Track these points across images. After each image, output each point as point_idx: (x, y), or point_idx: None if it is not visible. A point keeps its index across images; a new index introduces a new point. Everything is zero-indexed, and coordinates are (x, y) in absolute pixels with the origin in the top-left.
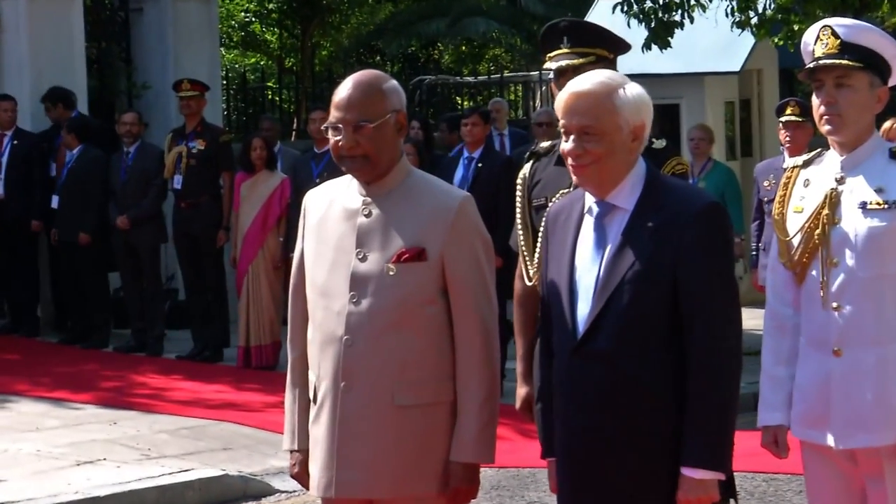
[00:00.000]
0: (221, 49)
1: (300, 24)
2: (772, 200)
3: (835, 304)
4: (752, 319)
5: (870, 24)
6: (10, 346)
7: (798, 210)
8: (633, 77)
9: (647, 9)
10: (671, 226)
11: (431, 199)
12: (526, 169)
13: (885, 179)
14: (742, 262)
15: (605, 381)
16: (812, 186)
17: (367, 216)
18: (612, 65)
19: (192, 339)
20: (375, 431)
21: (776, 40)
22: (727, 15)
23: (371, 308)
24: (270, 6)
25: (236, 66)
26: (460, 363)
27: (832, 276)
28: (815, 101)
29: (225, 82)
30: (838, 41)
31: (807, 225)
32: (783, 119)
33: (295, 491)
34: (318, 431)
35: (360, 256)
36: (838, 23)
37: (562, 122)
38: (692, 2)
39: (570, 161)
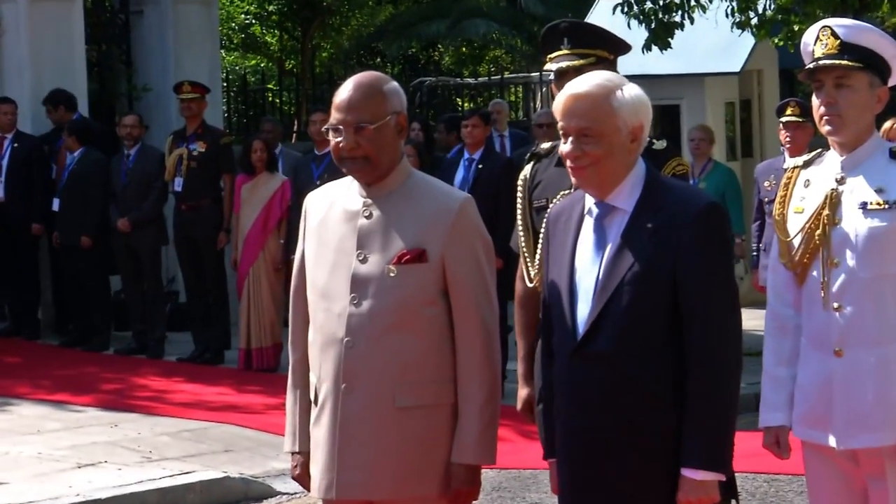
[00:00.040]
0: (222, 51)
1: (300, 26)
2: (772, 201)
3: (836, 305)
4: (752, 320)
5: (869, 25)
6: (11, 349)
7: (798, 210)
8: (634, 78)
9: (647, 10)
10: (670, 226)
11: (432, 201)
12: (527, 170)
13: (885, 179)
14: (743, 262)
15: (606, 381)
16: (812, 187)
17: (367, 218)
18: (612, 66)
19: (192, 342)
20: (376, 433)
21: (776, 41)
22: (727, 15)
23: (372, 309)
24: (271, 8)
25: (237, 68)
26: (461, 364)
27: (833, 276)
28: (815, 101)
29: (225, 84)
30: (838, 41)
31: (807, 225)
32: (783, 119)
33: (296, 493)
34: (319, 433)
35: (360, 258)
36: (838, 23)
37: (560, 124)
38: (692, 2)
39: (568, 163)
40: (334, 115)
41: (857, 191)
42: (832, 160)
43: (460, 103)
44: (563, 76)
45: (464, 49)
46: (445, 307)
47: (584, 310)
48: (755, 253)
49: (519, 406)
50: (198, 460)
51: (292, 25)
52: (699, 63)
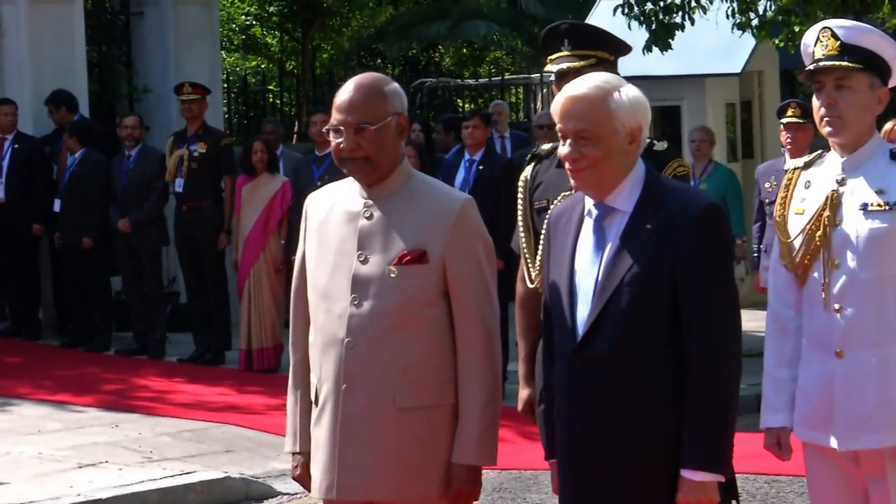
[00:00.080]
0: (222, 52)
1: (301, 27)
2: (773, 202)
3: (836, 306)
4: (753, 321)
5: (869, 26)
6: (12, 350)
7: (799, 212)
8: (634, 79)
9: (647, 11)
10: (670, 227)
11: (433, 202)
12: (527, 171)
13: (885, 181)
14: (744, 263)
15: (605, 382)
16: (813, 188)
17: (368, 219)
18: (613, 67)
19: (193, 342)
20: (377, 434)
21: (777, 42)
22: (728, 17)
23: (372, 310)
24: (271, 9)
25: (237, 69)
26: (462, 365)
27: (834, 277)
28: (815, 102)
29: (226, 86)
30: (838, 43)
31: (808, 227)
32: (784, 121)
33: (297, 493)
34: (320, 434)
35: (361, 259)
36: (838, 24)
37: (558, 126)
38: (693, 3)
39: (567, 165)
40: (335, 116)
41: (858, 192)
42: (833, 161)
43: (461, 104)
44: (564, 77)
45: (464, 50)
46: (446, 308)
47: (583, 311)
48: (756, 254)
49: (520, 407)
50: (198, 460)
51: (293, 27)
52: (700, 64)
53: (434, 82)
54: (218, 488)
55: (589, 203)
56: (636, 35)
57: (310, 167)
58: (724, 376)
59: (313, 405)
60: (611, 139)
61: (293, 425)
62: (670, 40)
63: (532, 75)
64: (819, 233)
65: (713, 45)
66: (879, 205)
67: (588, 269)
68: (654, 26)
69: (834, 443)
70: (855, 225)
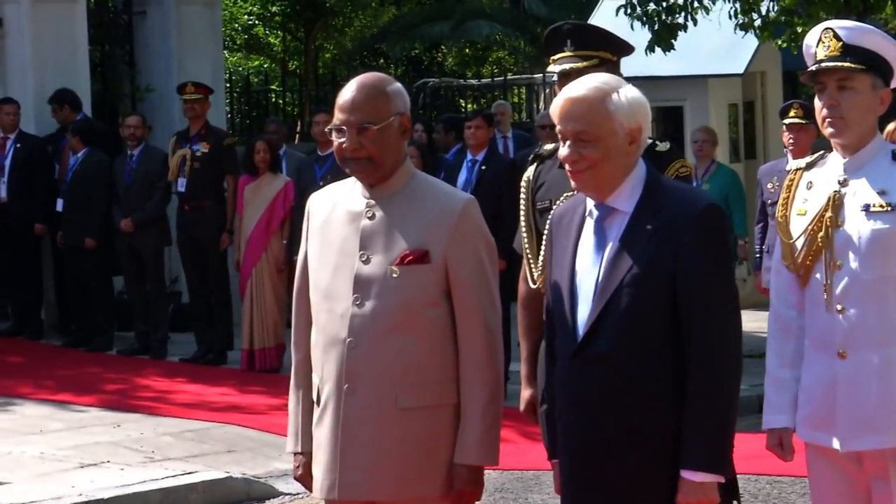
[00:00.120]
0: (225, 52)
1: (303, 27)
2: (775, 203)
3: (839, 307)
4: (755, 322)
5: (872, 27)
6: (14, 349)
7: (801, 212)
8: (637, 80)
9: (650, 11)
10: (670, 228)
11: (435, 202)
12: (530, 172)
13: (888, 182)
14: (746, 264)
15: (606, 382)
16: (815, 189)
17: (370, 219)
18: (615, 67)
19: (195, 342)
20: (378, 434)
21: (780, 42)
22: (730, 17)
23: (374, 310)
24: (274, 9)
25: (240, 69)
26: (464, 365)
27: (836, 278)
28: (817, 103)
29: (228, 85)
30: (840, 43)
31: (810, 227)
32: (787, 121)
33: (298, 493)
34: (322, 434)
35: (363, 259)
36: (840, 25)
37: (558, 127)
38: (695, 4)
39: (567, 166)
40: (338, 116)
41: (860, 193)
42: (835, 162)
43: (463, 104)
44: (567, 78)
45: (467, 50)
46: (448, 308)
47: (584, 311)
48: (758, 255)
49: (522, 407)
50: (200, 460)
51: (295, 26)
52: (702, 65)
53: (437, 82)
54: (220, 488)
55: (590, 204)
56: (639, 35)
57: (312, 167)
58: (724, 376)
59: (315, 405)
60: (610, 140)
61: (295, 425)
62: (673, 41)
63: (535, 75)
64: (821, 234)
65: (716, 46)
66: (882, 206)
67: (589, 270)
68: (656, 27)
69: (836, 444)
70: (857, 226)
